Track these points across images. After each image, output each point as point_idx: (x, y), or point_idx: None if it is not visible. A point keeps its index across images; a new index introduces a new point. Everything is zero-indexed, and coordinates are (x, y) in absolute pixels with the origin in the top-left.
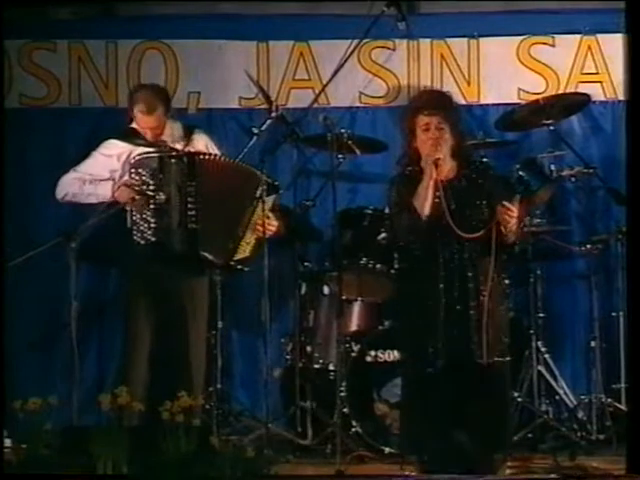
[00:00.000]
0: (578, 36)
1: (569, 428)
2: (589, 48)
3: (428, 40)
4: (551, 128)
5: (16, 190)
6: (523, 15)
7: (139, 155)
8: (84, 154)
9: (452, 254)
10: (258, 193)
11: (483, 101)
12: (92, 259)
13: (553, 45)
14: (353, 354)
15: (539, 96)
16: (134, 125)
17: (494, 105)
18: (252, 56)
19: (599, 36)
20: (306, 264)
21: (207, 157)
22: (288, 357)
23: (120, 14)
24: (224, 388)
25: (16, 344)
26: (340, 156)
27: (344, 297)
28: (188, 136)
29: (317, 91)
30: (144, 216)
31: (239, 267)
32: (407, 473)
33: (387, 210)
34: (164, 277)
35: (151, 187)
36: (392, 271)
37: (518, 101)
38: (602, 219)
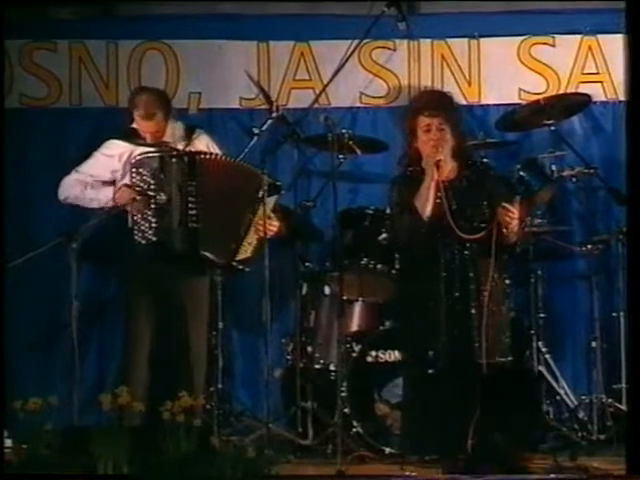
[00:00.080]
0: (579, 36)
1: (570, 428)
2: (590, 48)
3: (429, 40)
4: (552, 128)
5: (16, 190)
6: (524, 15)
7: (140, 155)
8: (85, 154)
9: (453, 254)
10: (260, 194)
11: (484, 101)
12: (93, 259)
13: (554, 45)
14: (354, 354)
15: (540, 96)
16: (135, 125)
17: (495, 105)
18: (252, 56)
19: (599, 36)
20: (307, 264)
21: (208, 157)
22: (289, 357)
23: (120, 14)
24: (225, 388)
25: (16, 344)
26: (341, 156)
27: (345, 297)
28: (189, 136)
29: (318, 91)
30: (145, 216)
31: (240, 267)
32: (407, 473)
33: (388, 210)
34: (165, 277)
35: (152, 187)
36: (393, 271)
37: (519, 101)
38: (603, 219)
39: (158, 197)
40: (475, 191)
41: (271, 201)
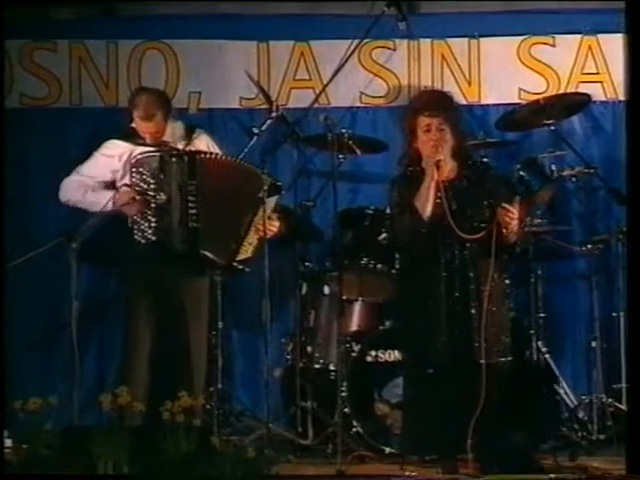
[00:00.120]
0: (578, 36)
1: (570, 428)
2: (589, 48)
3: (428, 40)
4: (552, 128)
5: (16, 190)
6: (523, 15)
7: (140, 154)
8: (85, 154)
9: (453, 254)
10: (261, 194)
11: (484, 101)
12: (93, 259)
13: (554, 45)
14: (354, 354)
15: (540, 96)
16: (134, 125)
17: (495, 105)
18: (252, 56)
19: (599, 36)
20: (307, 264)
21: (208, 156)
22: (289, 357)
23: (120, 14)
24: (225, 388)
25: (16, 344)
26: (341, 156)
27: (345, 297)
28: (189, 136)
29: (317, 91)
30: (145, 215)
31: (240, 267)
32: (407, 473)
33: (388, 210)
34: (165, 276)
35: (152, 186)
36: (393, 271)
37: (519, 101)
38: (603, 219)
39: (158, 197)
40: (475, 191)
41: (272, 201)
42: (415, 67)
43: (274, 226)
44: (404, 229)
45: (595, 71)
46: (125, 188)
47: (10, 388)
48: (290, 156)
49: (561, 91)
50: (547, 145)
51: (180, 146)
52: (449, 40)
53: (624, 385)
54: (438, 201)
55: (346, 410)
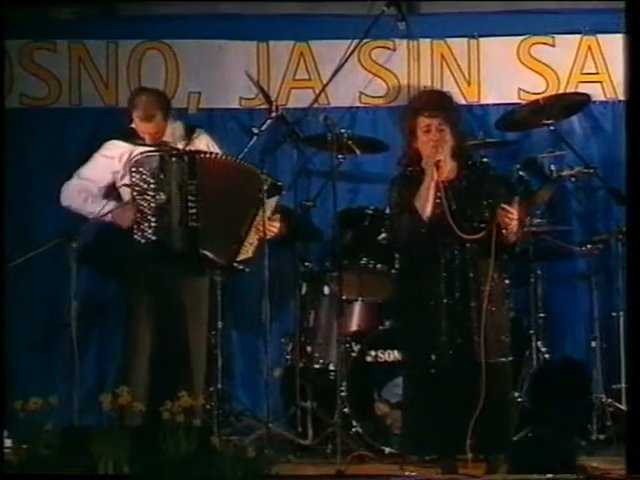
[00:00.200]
0: (578, 36)
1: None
2: (589, 48)
3: (428, 40)
4: (551, 128)
5: (16, 190)
6: (523, 15)
7: (140, 154)
8: (84, 154)
9: (453, 254)
10: (261, 194)
11: (483, 101)
12: (93, 258)
13: (553, 45)
14: (353, 354)
15: (539, 96)
16: (134, 125)
17: (494, 105)
18: (252, 56)
19: (599, 36)
20: (306, 264)
21: (208, 156)
22: (288, 357)
23: (120, 14)
24: (225, 388)
25: (16, 344)
26: (340, 156)
27: (344, 297)
28: (189, 136)
29: (317, 91)
30: (145, 215)
31: (240, 267)
32: (407, 473)
33: (388, 210)
34: (165, 276)
35: (152, 186)
36: (393, 271)
37: (518, 101)
38: (602, 219)
39: (158, 197)
40: (475, 191)
41: (272, 202)
42: (415, 67)
43: (274, 227)
44: (404, 229)
45: (595, 71)
46: (124, 188)
47: (10, 388)
48: (290, 156)
49: (561, 91)
50: (547, 145)
51: (180, 146)
52: (449, 40)
53: (624, 385)
54: (438, 201)
55: (346, 410)
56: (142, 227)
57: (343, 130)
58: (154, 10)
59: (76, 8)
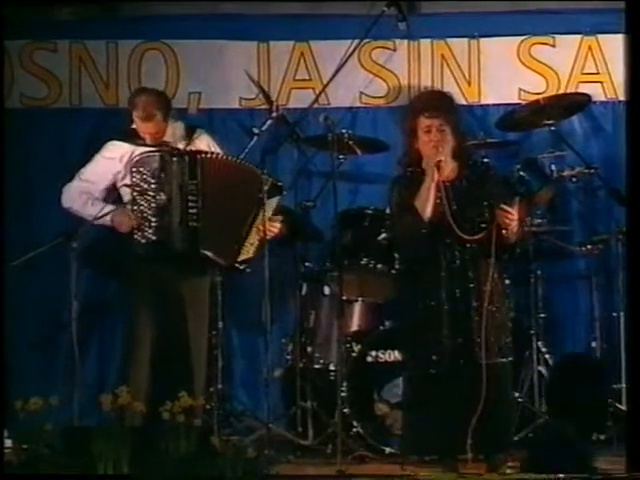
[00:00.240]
0: (578, 36)
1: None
2: (589, 48)
3: (429, 40)
4: (552, 128)
5: (16, 190)
6: (524, 15)
7: (140, 154)
8: (85, 155)
9: (453, 255)
10: (261, 195)
11: (484, 101)
12: (93, 258)
13: (554, 45)
14: (354, 354)
15: (540, 96)
16: (135, 126)
17: (495, 105)
18: (253, 56)
19: (599, 36)
20: (307, 264)
21: (209, 156)
22: (289, 357)
23: (121, 14)
24: (225, 388)
25: (17, 344)
26: (341, 156)
27: (345, 297)
28: (190, 136)
29: (318, 91)
30: (145, 215)
31: (241, 267)
32: (407, 473)
33: (388, 210)
34: (165, 276)
35: (152, 186)
36: (393, 271)
37: (519, 101)
38: (603, 219)
39: (158, 196)
40: (475, 191)
41: (273, 202)
42: (415, 67)
43: (275, 227)
44: (404, 229)
45: (595, 71)
46: (124, 189)
47: (11, 388)
48: (290, 156)
49: (561, 91)
50: (547, 145)
51: (181, 146)
52: (449, 40)
53: (624, 385)
54: (438, 201)
55: (346, 410)
56: (142, 227)
57: (344, 130)
58: (154, 10)
59: (76, 8)
